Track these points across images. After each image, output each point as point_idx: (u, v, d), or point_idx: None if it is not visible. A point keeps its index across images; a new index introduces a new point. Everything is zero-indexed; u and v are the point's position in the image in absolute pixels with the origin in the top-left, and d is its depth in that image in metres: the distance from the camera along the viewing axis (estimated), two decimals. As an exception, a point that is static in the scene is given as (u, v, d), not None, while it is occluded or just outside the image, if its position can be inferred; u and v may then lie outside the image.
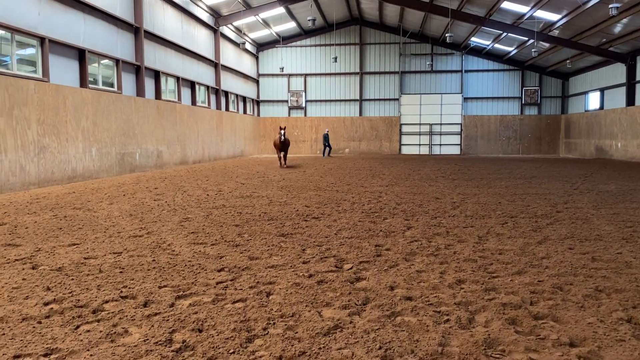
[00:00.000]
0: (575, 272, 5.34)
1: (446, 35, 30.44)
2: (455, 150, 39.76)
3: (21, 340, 3.53)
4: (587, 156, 34.12)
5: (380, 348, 3.38)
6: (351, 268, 5.49)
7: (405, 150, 40.18)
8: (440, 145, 39.79)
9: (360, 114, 40.37)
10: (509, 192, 13.03)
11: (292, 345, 3.43)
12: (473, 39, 35.32)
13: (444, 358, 3.26)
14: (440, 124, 39.60)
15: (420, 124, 39.77)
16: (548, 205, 10.49)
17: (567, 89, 38.73)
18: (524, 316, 4.01)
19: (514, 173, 19.65)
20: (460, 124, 39.46)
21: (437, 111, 39.45)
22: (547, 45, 31.54)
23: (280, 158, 23.76)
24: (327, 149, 36.03)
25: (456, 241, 6.92)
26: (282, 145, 23.03)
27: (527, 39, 30.72)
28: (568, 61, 32.59)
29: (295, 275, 5.19)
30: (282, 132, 22.62)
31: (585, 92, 35.33)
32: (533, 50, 30.86)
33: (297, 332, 3.68)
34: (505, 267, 5.54)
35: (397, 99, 39.90)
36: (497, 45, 35.63)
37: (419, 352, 3.33)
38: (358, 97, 40.29)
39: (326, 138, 35.88)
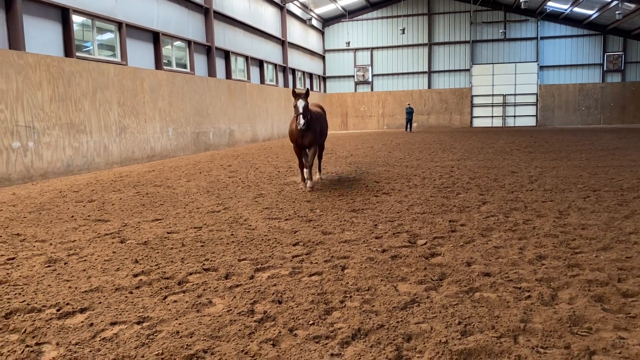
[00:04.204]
0: (668, 248, 5.02)
1: (520, 0, 28.92)
2: (531, 122, 38.08)
3: (115, 308, 3.79)
4: (678, 125, 31.66)
5: (459, 323, 3.35)
6: (425, 243, 5.44)
7: (477, 122, 38.94)
8: (515, 116, 38.23)
9: (429, 86, 39.43)
10: (590, 164, 12.37)
11: (370, 319, 3.47)
12: (549, 3, 33.36)
13: (527, 334, 3.19)
14: (515, 95, 37.97)
15: (492, 95, 38.32)
16: (634, 178, 9.87)
17: (656, 52, 35.90)
18: (612, 293, 3.83)
19: (595, 144, 18.59)
20: (536, 94, 37.67)
21: (511, 81, 37.83)
22: (632, 6, 29.23)
23: (302, 164, 9.81)
24: (409, 123, 34.88)
25: (535, 216, 6.68)
26: (303, 137, 9.38)
27: (610, 0, 28.61)
28: (657, 22, 30.15)
29: (368, 250, 5.22)
30: (300, 106, 8.88)
31: (677, 56, 32.63)
32: (617, 12, 28.74)
33: (373, 306, 3.72)
34: (589, 242, 5.29)
35: (468, 70, 38.58)
36: (576, 9, 33.47)
37: (500, 328, 3.27)
38: (426, 69, 39.31)
39: (410, 112, 34.74)
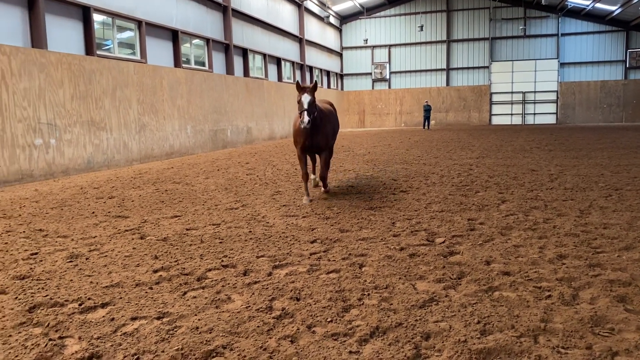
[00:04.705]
0: (693, 248, 4.92)
1: (541, -4, 28.55)
2: (551, 120, 37.56)
3: (136, 304, 3.84)
4: None
5: (478, 322, 3.32)
6: (443, 242, 5.41)
7: (496, 120, 38.53)
8: (534, 114, 37.73)
9: (447, 83, 39.13)
10: (612, 163, 12.16)
11: (388, 317, 3.46)
12: (571, -1, 32.87)
13: (547, 334, 3.15)
14: (534, 92, 37.48)
15: (512, 93, 37.88)
16: (658, 177, 9.69)
17: (681, 49, 35.10)
18: (635, 294, 3.77)
19: (617, 142, 18.28)
20: (556, 92, 37.13)
21: (530, 78, 37.34)
22: (657, 1, 28.68)
23: (307, 174, 8.37)
24: (427, 121, 34.40)
25: (555, 215, 6.60)
26: (310, 139, 8.08)
27: (634, -5, 28.11)
28: (682, 18, 29.49)
29: (386, 248, 5.20)
30: (305, 101, 7.53)
31: (703, 52, 31.88)
32: (641, 7, 28.18)
33: (392, 304, 3.71)
34: (611, 242, 5.21)
35: (487, 67, 38.19)
36: (598, 5, 32.89)
37: (520, 327, 3.24)
38: (445, 67, 39.01)
39: (428, 110, 34.28)
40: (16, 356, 3.03)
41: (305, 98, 7.55)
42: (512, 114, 38.09)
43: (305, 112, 7.45)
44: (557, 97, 37.18)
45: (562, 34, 36.79)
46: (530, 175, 10.33)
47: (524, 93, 37.60)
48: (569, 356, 2.89)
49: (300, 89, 7.65)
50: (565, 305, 3.59)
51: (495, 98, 38.32)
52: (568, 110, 37.27)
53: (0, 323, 3.50)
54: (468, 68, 38.70)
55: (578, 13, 35.78)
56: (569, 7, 34.83)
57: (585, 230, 5.72)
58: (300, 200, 8.18)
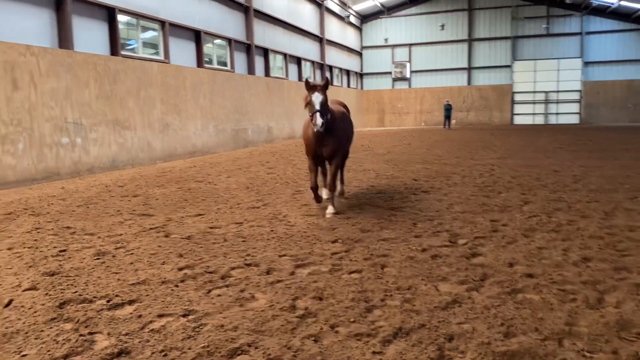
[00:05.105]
0: None
1: (565, -6, 28.12)
2: (574, 120, 36.96)
3: (162, 301, 3.91)
4: None
5: (502, 325, 3.32)
6: (466, 243, 5.40)
7: (518, 120, 38.06)
8: (557, 114, 37.15)
9: (469, 83, 38.78)
10: (638, 163, 11.96)
11: (411, 318, 3.48)
12: (596, -3, 32.32)
13: (572, 338, 3.14)
14: (557, 92, 36.90)
15: (534, 92, 37.35)
16: (686, 179, 9.50)
17: None
18: (662, 298, 3.72)
19: (643, 143, 17.95)
20: (580, 91, 36.52)
21: (553, 78, 36.76)
22: (686, -2, 28.02)
23: (316, 184, 7.21)
24: (448, 120, 34.16)
25: (579, 217, 6.53)
26: (322, 145, 6.98)
27: (661, -7, 27.52)
28: None
29: (408, 249, 5.21)
30: (316, 101, 6.49)
31: None
32: (669, 5, 27.55)
33: (414, 305, 3.72)
34: (637, 245, 5.15)
35: (509, 66, 37.73)
36: (623, 3, 32.26)
37: (544, 330, 3.23)
38: (466, 66, 38.67)
39: (448, 109, 34.02)
40: (48, 351, 3.12)
41: (317, 98, 6.53)
42: (534, 114, 37.57)
43: (318, 114, 6.42)
44: (581, 97, 36.58)
45: (587, 33, 36.17)
46: (554, 176, 10.21)
47: (546, 92, 37.06)
48: (594, 360, 2.88)
49: (310, 87, 6.62)
50: (591, 309, 3.57)
51: (517, 97, 37.86)
52: (592, 110, 36.64)
53: (33, 318, 3.60)
54: (490, 67, 38.29)
55: (603, 11, 35.14)
56: (593, 5, 34.24)
57: (610, 233, 5.65)
58: (320, 204, 7.61)
